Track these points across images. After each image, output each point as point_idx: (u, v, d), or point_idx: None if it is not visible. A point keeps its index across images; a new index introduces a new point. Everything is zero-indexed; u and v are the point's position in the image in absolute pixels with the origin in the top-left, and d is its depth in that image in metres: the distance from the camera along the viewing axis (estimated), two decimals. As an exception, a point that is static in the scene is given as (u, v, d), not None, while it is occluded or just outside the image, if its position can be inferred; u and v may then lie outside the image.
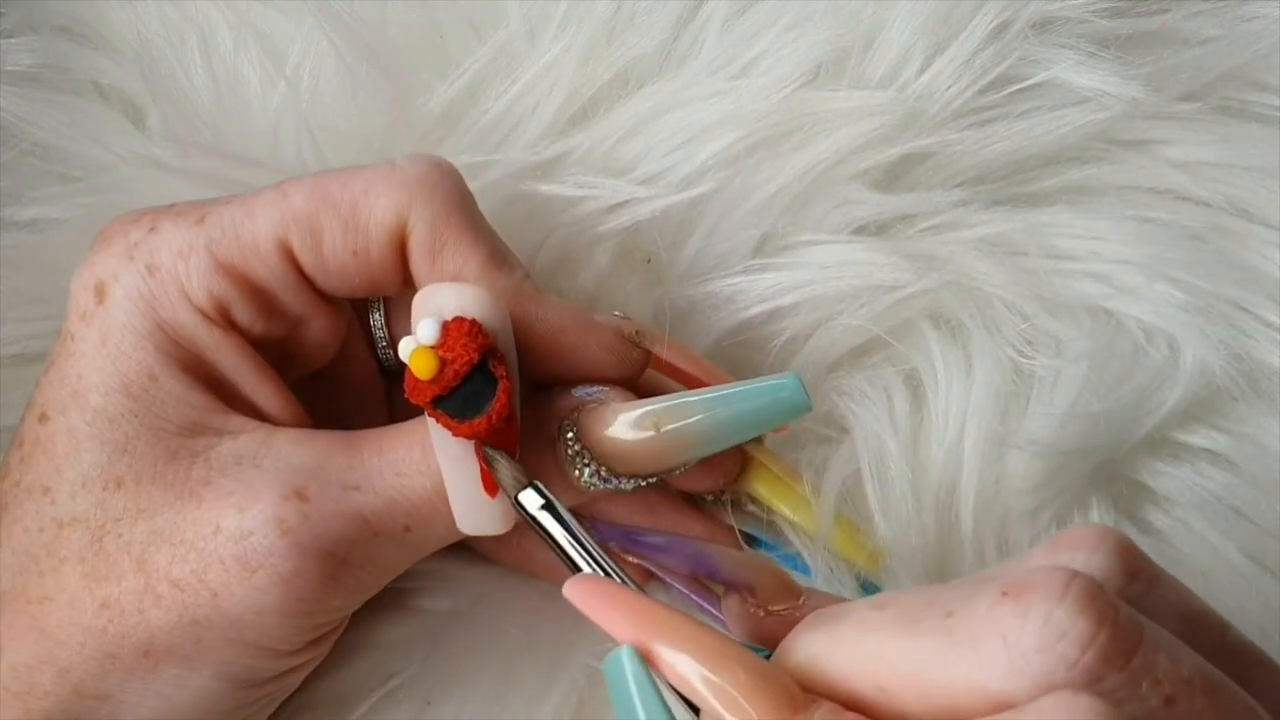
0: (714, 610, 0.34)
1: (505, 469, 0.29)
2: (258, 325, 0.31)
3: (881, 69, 0.39)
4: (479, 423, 0.28)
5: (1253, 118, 0.42)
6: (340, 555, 0.30)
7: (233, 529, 0.29)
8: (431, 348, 0.28)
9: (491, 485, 0.29)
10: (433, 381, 0.28)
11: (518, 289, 0.31)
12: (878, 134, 0.38)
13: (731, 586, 0.30)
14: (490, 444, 0.29)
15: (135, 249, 0.30)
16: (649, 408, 0.30)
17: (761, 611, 0.29)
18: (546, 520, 0.28)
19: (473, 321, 0.29)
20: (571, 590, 0.24)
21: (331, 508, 0.29)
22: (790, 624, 0.26)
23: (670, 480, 0.34)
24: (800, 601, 0.29)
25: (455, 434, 0.29)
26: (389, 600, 0.36)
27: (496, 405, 0.28)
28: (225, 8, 0.39)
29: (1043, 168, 0.41)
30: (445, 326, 0.29)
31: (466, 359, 0.28)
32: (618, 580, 0.27)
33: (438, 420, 0.29)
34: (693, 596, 0.34)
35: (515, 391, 0.29)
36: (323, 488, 0.30)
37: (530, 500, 0.29)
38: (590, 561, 0.28)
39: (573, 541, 0.28)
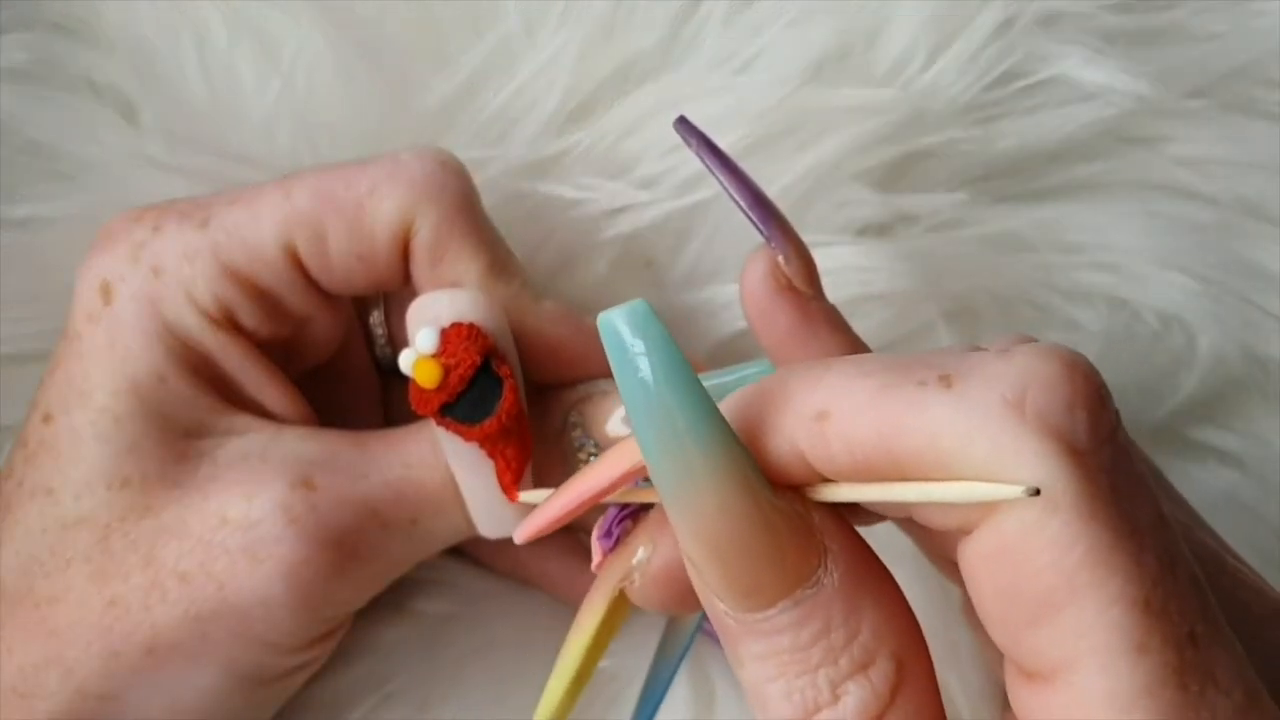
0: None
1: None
2: (263, 328, 0.31)
3: (886, 65, 0.38)
4: (490, 424, 0.28)
5: (1260, 114, 0.42)
6: (348, 546, 0.29)
7: (240, 518, 0.29)
8: (433, 356, 0.28)
9: (511, 488, 0.29)
10: (439, 389, 0.28)
11: (515, 300, 0.31)
12: (882, 131, 0.38)
13: (774, 239, 0.28)
14: (502, 444, 0.29)
15: (140, 250, 0.30)
16: None
17: (782, 281, 0.27)
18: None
19: (471, 325, 0.29)
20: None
21: (339, 497, 0.29)
22: (797, 309, 0.26)
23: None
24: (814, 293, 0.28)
25: (467, 439, 0.29)
26: (386, 603, 0.36)
27: (505, 404, 0.28)
28: (220, 4, 0.39)
29: (1049, 165, 0.41)
30: (444, 333, 0.28)
31: (470, 362, 0.28)
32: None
33: (447, 429, 0.29)
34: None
35: (521, 389, 0.29)
36: (331, 478, 0.29)
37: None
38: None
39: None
